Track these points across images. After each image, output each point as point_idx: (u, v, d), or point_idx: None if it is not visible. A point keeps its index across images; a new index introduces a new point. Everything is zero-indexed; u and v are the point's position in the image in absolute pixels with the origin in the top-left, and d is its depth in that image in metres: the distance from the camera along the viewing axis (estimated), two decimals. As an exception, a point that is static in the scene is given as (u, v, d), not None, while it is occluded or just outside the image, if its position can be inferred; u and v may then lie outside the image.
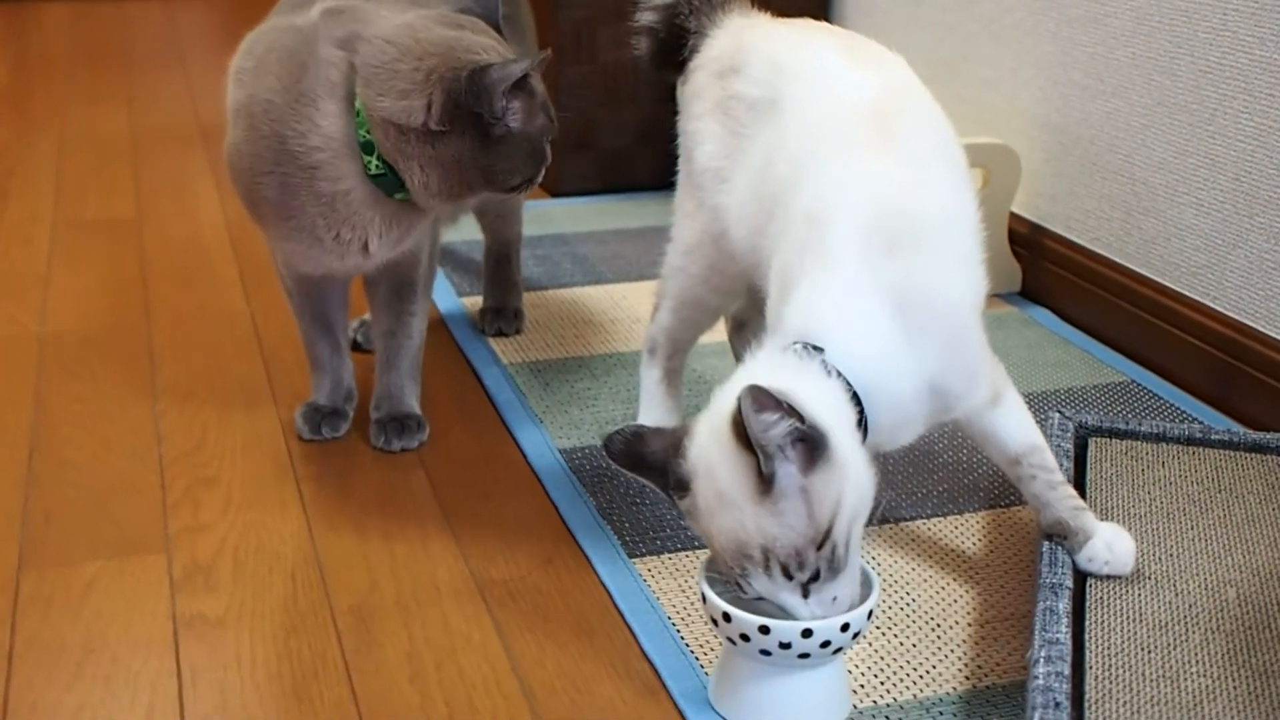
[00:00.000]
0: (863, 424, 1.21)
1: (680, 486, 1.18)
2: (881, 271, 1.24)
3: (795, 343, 1.21)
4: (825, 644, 1.15)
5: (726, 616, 1.17)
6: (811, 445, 1.12)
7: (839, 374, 1.19)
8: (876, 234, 1.25)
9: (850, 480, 1.14)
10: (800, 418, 1.11)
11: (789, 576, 1.13)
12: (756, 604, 1.18)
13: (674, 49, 1.64)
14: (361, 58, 1.54)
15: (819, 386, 1.17)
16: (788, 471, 1.11)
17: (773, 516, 1.12)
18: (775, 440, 1.10)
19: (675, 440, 1.19)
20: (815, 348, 1.20)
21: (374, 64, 1.53)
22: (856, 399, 1.20)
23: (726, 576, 1.17)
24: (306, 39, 1.56)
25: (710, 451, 1.16)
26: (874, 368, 1.21)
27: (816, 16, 1.82)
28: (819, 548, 1.13)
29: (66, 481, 1.69)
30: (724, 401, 1.16)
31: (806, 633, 1.14)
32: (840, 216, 1.26)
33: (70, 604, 1.44)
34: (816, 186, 1.30)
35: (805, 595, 1.15)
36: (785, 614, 1.16)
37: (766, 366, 1.19)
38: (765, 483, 1.11)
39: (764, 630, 1.15)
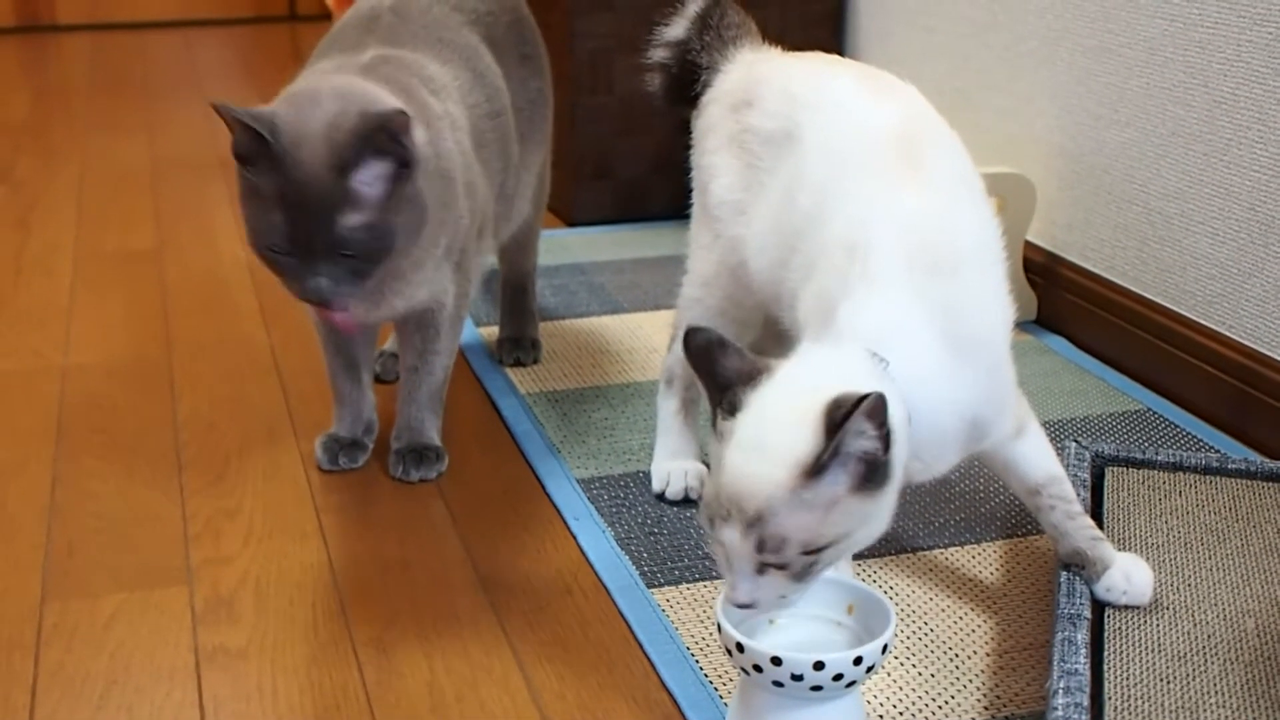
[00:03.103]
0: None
1: (731, 410, 1.14)
2: (928, 297, 1.23)
3: (869, 350, 1.19)
4: (838, 677, 1.15)
5: (740, 647, 1.17)
6: (872, 474, 1.11)
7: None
8: (918, 260, 1.25)
9: (874, 521, 1.14)
10: (886, 447, 1.10)
11: (759, 550, 1.11)
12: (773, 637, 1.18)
13: (687, 84, 1.65)
14: None
15: (899, 412, 1.15)
16: (837, 479, 1.09)
17: (793, 500, 1.09)
18: (855, 449, 1.09)
19: (752, 371, 1.15)
20: (884, 360, 1.19)
21: None
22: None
23: (707, 508, 1.14)
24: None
25: (782, 404, 1.12)
26: (924, 391, 1.20)
27: (829, 48, 1.84)
28: (804, 553, 1.11)
29: (89, 512, 1.71)
30: (821, 369, 1.15)
31: (818, 665, 1.14)
32: (880, 243, 1.26)
33: (94, 635, 1.45)
34: (849, 215, 1.30)
35: (760, 572, 1.13)
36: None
37: (862, 368, 1.16)
38: (813, 471, 1.08)
39: (776, 661, 1.15)
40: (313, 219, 1.47)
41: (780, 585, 1.13)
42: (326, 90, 1.54)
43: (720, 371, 1.16)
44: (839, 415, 1.07)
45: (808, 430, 1.09)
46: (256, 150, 1.47)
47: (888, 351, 1.19)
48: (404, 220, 1.53)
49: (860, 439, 1.08)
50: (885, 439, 1.10)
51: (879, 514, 1.14)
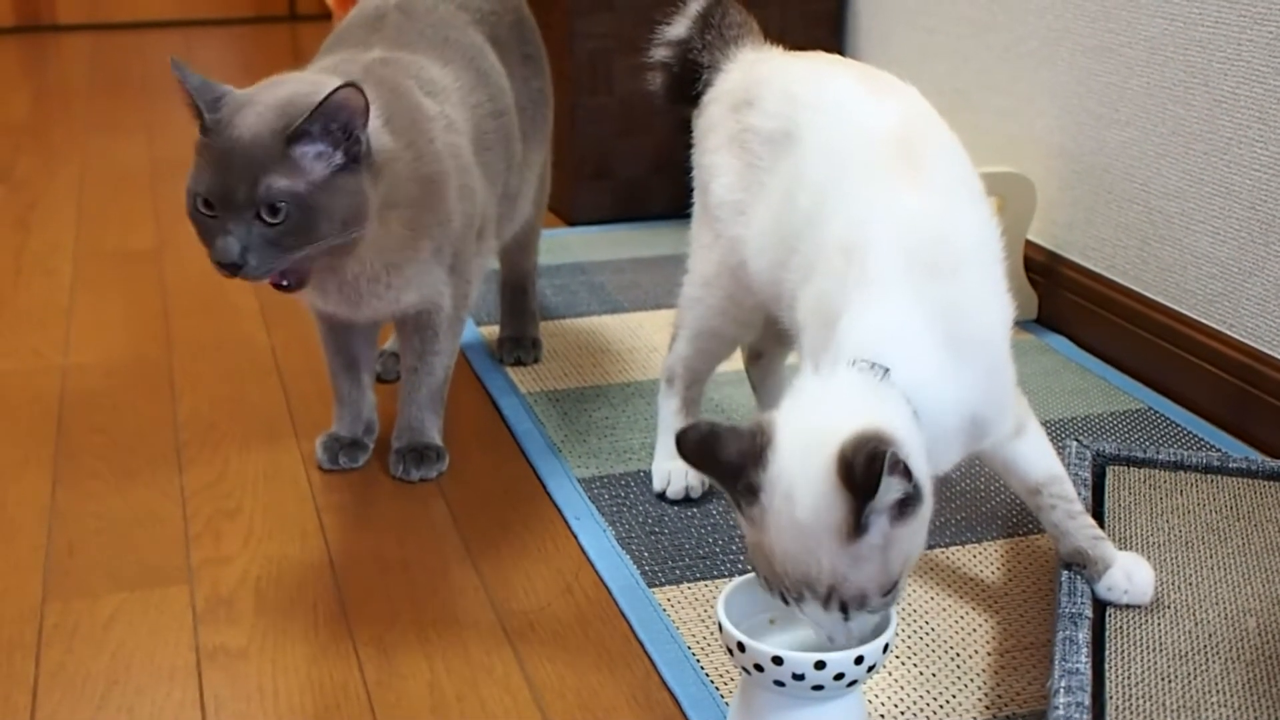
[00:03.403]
0: None
1: (751, 494, 1.13)
2: (927, 297, 1.23)
3: (864, 360, 1.18)
4: (839, 676, 1.15)
5: (741, 646, 1.17)
6: (906, 501, 1.10)
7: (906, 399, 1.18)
8: (917, 261, 1.24)
9: (923, 532, 1.14)
10: (910, 476, 1.09)
11: (845, 611, 1.13)
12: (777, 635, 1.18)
13: (688, 83, 1.65)
14: None
15: (908, 424, 1.15)
16: (880, 524, 1.10)
17: (851, 560, 1.10)
18: (889, 502, 1.09)
19: (755, 447, 1.13)
20: (883, 368, 1.18)
21: None
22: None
23: (773, 588, 1.15)
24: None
25: (796, 473, 1.11)
26: (926, 392, 1.19)
27: (829, 48, 1.84)
28: (885, 594, 1.13)
29: (90, 513, 1.71)
30: (814, 419, 1.14)
31: (819, 664, 1.14)
32: (879, 244, 1.25)
33: (94, 635, 1.45)
34: (848, 216, 1.30)
35: (849, 619, 1.14)
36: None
37: (857, 392, 1.16)
38: (856, 529, 1.09)
39: (777, 661, 1.15)
40: (241, 174, 1.46)
41: (869, 618, 1.15)
42: (297, 78, 1.56)
43: (724, 461, 1.14)
44: (857, 470, 1.06)
45: (833, 495, 1.09)
46: (209, 120, 1.49)
47: (889, 358, 1.19)
48: (336, 209, 1.49)
49: (889, 494, 1.08)
50: (907, 472, 1.09)
51: (926, 523, 1.15)
